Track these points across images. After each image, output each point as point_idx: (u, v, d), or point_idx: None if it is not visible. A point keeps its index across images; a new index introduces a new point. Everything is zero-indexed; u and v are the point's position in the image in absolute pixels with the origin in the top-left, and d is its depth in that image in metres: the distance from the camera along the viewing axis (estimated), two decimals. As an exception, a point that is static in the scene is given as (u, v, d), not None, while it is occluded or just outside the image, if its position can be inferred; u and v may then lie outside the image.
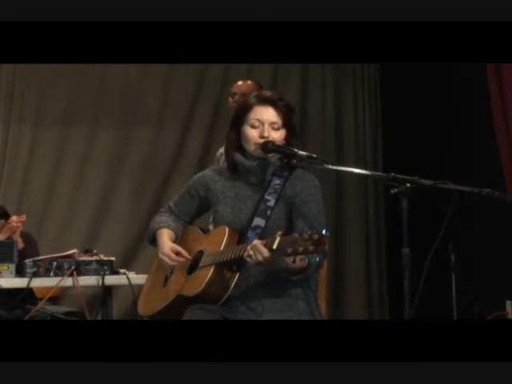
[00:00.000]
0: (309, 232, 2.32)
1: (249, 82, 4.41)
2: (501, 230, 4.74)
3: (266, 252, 2.42)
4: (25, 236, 4.58)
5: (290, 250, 2.33)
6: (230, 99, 4.31)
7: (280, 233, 2.41)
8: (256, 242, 2.47)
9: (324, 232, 2.32)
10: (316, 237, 2.30)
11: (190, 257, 2.79)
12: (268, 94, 2.75)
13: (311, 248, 2.30)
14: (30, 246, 4.53)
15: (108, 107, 5.62)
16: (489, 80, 4.64)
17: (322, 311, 2.84)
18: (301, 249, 2.31)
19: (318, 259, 2.38)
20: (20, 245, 4.41)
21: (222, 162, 2.86)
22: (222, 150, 3.00)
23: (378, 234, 6.06)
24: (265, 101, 2.71)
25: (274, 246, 2.38)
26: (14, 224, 4.42)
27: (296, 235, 2.33)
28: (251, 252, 2.46)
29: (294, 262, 2.37)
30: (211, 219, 3.26)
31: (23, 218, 4.47)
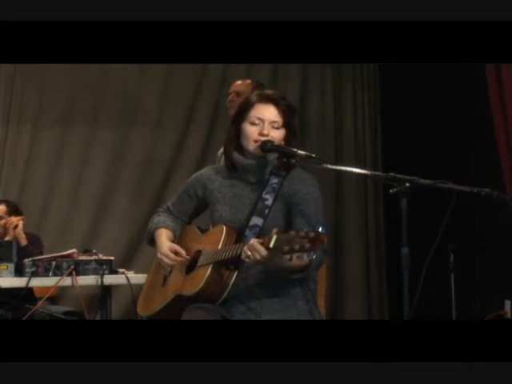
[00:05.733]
0: (305, 230, 2.33)
1: (248, 81, 4.40)
2: (499, 229, 4.74)
3: (263, 251, 2.42)
4: (31, 238, 4.60)
5: (286, 248, 2.33)
6: (228, 99, 4.31)
7: (276, 230, 2.41)
8: (253, 240, 2.47)
9: (321, 229, 2.31)
10: (312, 234, 2.30)
11: (188, 256, 2.79)
12: (270, 92, 2.75)
13: (308, 246, 2.30)
14: (35, 247, 4.54)
15: (107, 107, 5.62)
16: (488, 80, 4.64)
17: (322, 311, 2.84)
18: (297, 246, 2.31)
19: (314, 257, 2.37)
20: (23, 241, 4.43)
21: (223, 162, 2.86)
22: (223, 149, 3.01)
23: (377, 234, 6.06)
24: (267, 99, 2.71)
25: (271, 245, 2.38)
26: (15, 220, 4.45)
27: (292, 233, 2.33)
28: (249, 252, 2.46)
29: (291, 259, 2.36)
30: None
31: (20, 218, 4.51)
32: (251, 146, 2.71)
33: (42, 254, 4.41)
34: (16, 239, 4.39)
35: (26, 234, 4.54)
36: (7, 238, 4.44)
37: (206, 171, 2.91)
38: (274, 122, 2.69)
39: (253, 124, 2.70)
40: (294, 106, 2.77)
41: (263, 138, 2.67)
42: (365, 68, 6.17)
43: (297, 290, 2.69)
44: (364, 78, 6.19)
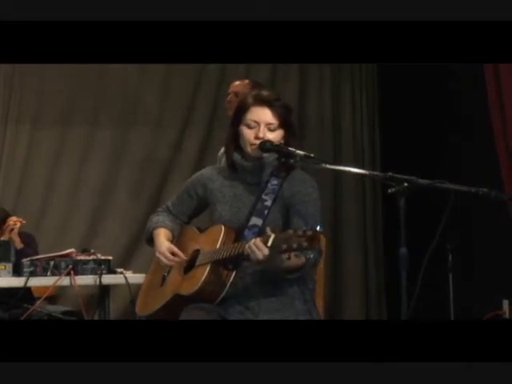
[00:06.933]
0: (303, 229, 2.33)
1: (246, 81, 4.40)
2: (498, 229, 4.74)
3: (266, 249, 2.42)
4: (26, 237, 4.59)
5: (284, 247, 2.34)
6: (227, 100, 4.32)
7: (269, 228, 2.41)
8: (255, 239, 2.47)
9: (318, 228, 2.32)
10: (310, 233, 2.31)
11: (185, 257, 2.79)
12: (265, 94, 2.74)
13: (305, 244, 2.31)
14: (30, 248, 4.54)
15: (107, 107, 5.62)
16: (487, 80, 4.65)
17: (320, 311, 2.84)
18: (295, 245, 2.32)
19: (312, 256, 2.38)
20: (18, 245, 4.42)
21: (224, 162, 2.87)
22: (223, 149, 3.01)
23: (375, 234, 6.06)
24: (261, 101, 2.71)
25: (269, 243, 2.39)
26: (11, 223, 4.44)
27: (290, 232, 2.34)
28: (254, 247, 2.45)
29: (289, 258, 2.37)
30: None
31: (21, 219, 4.49)
32: (249, 149, 2.71)
33: (37, 253, 4.41)
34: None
35: (21, 233, 4.53)
36: (3, 239, 4.43)
37: (206, 171, 2.91)
38: (269, 124, 2.69)
39: (249, 127, 2.71)
40: (289, 105, 2.76)
41: (259, 142, 2.68)
42: (363, 68, 6.18)
43: (294, 290, 2.69)
44: (363, 77, 6.19)
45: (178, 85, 5.75)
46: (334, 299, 5.81)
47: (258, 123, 2.69)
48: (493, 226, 4.79)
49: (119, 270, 4.24)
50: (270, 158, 2.71)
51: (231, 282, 2.62)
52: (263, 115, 2.69)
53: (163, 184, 5.70)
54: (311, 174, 2.82)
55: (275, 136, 2.70)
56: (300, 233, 2.32)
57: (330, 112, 6.14)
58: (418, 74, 5.26)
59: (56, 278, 3.99)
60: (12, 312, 4.24)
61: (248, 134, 2.71)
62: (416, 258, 2.39)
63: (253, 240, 2.47)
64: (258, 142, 2.68)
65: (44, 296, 4.14)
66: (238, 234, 2.68)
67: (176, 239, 2.89)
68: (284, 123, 2.71)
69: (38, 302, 4.14)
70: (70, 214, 5.51)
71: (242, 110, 2.74)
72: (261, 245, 2.43)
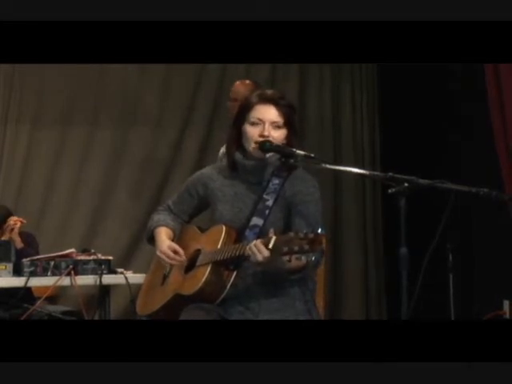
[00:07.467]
0: (304, 231, 2.33)
1: (247, 82, 4.39)
2: (498, 229, 4.74)
3: (266, 251, 2.42)
4: (27, 237, 4.59)
5: (285, 249, 2.34)
6: (229, 103, 4.27)
7: (272, 230, 2.41)
8: (256, 241, 2.47)
9: (320, 231, 2.32)
10: (311, 236, 2.31)
11: (186, 256, 2.79)
12: (269, 92, 2.75)
13: (307, 247, 2.30)
14: (31, 248, 4.54)
15: (107, 107, 5.62)
16: (487, 80, 4.64)
17: (320, 311, 2.84)
18: (296, 248, 2.32)
19: (313, 258, 2.38)
20: (19, 244, 4.42)
21: (225, 161, 2.86)
22: (223, 149, 2.99)
23: (375, 234, 6.06)
24: (266, 100, 2.71)
25: (270, 246, 2.39)
26: (12, 223, 4.44)
27: (292, 234, 2.34)
28: (254, 249, 2.45)
29: (290, 260, 2.37)
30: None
31: (21, 219, 4.49)
32: (252, 147, 2.71)
33: (37, 253, 4.41)
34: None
35: (21, 233, 4.53)
36: (3, 239, 4.43)
37: (207, 170, 2.91)
38: (274, 122, 2.69)
39: (253, 125, 2.70)
40: (293, 104, 2.76)
41: (262, 139, 2.68)
42: (363, 68, 6.18)
43: (295, 290, 2.69)
44: (363, 77, 6.19)
45: (178, 85, 5.75)
46: (334, 299, 5.81)
47: (262, 121, 2.69)
48: (493, 226, 4.79)
49: (119, 269, 4.24)
50: (272, 157, 2.71)
51: (232, 283, 2.62)
52: (268, 113, 2.69)
53: (163, 184, 5.70)
54: (312, 174, 2.82)
55: (279, 134, 2.70)
56: (301, 235, 2.31)
57: (330, 112, 6.13)
58: (418, 73, 5.26)
59: (56, 278, 3.99)
60: (12, 312, 4.24)
61: (252, 131, 2.70)
62: (416, 257, 2.39)
63: (254, 242, 2.47)
64: (262, 139, 2.67)
65: (44, 296, 4.14)
66: (239, 233, 2.68)
67: (177, 238, 2.90)
68: (288, 122, 2.71)
69: (39, 302, 4.14)
70: (70, 214, 5.51)
71: (245, 108, 2.73)
72: (261, 247, 2.43)
